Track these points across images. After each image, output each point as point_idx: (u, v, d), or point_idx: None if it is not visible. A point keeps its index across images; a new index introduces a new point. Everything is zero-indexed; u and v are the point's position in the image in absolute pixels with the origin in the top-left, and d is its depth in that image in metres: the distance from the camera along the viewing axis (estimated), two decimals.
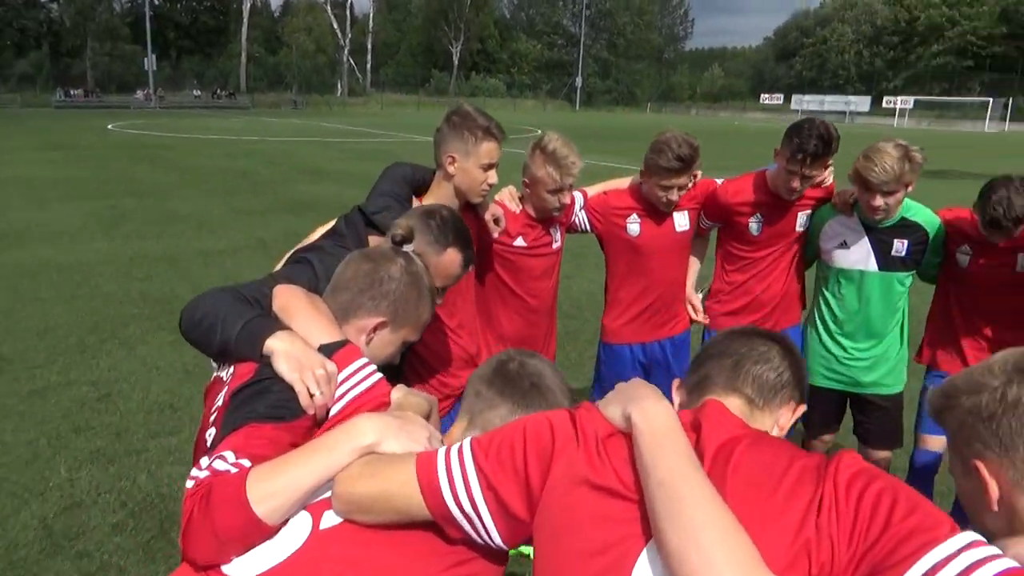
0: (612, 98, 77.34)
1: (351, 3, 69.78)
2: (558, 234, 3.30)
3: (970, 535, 0.95)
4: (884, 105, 59.96)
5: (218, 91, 59.00)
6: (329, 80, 68.02)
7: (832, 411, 3.57)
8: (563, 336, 3.61)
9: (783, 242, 3.47)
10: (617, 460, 1.13)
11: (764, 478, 1.06)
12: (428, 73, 74.77)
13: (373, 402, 1.50)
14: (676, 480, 1.02)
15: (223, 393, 1.55)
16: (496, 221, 2.94)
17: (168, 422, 4.63)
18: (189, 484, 1.27)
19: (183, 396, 4.99)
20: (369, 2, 72.51)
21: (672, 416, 1.15)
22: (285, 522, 1.26)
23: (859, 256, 3.31)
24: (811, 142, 3.07)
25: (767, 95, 72.23)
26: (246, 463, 1.28)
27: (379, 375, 1.56)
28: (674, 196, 3.30)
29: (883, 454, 3.50)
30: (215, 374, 1.71)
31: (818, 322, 3.51)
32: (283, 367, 1.47)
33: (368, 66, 70.87)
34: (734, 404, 1.30)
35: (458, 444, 1.24)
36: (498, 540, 1.19)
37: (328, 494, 1.28)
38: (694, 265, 3.74)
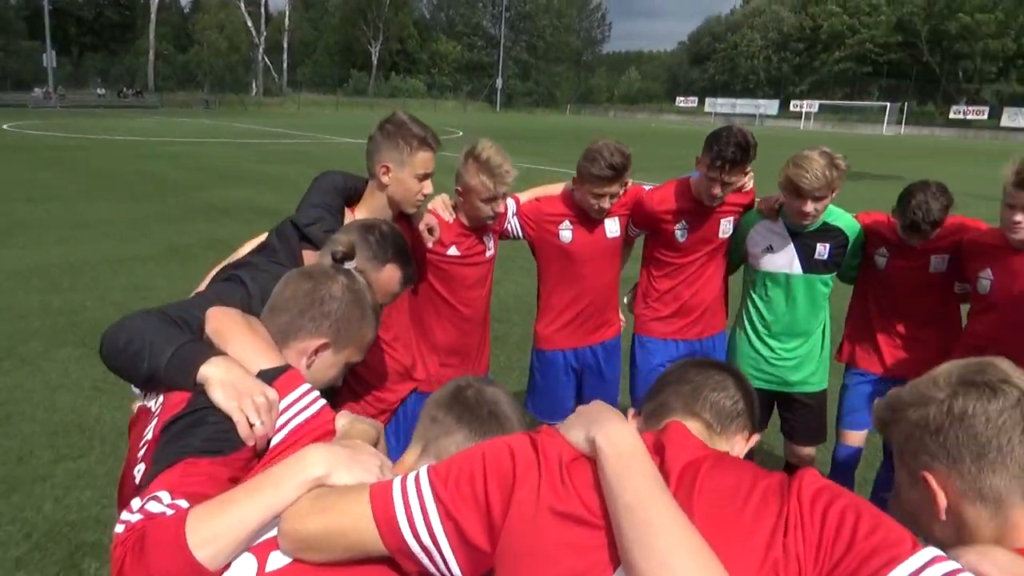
0: (533, 100, 77.95)
1: (266, 1, 67.90)
2: (491, 242, 3.27)
3: (932, 551, 0.96)
4: (791, 108, 62.56)
5: (124, 90, 56.28)
6: (243, 79, 65.95)
7: (761, 411, 3.67)
8: (492, 340, 3.59)
9: (708, 248, 3.54)
10: (582, 485, 1.10)
11: (730, 498, 1.06)
12: (346, 73, 73.53)
13: (317, 431, 1.43)
14: (644, 504, 1.00)
15: (152, 426, 1.44)
16: (430, 231, 2.88)
17: (76, 444, 4.35)
18: (119, 529, 1.17)
19: (91, 415, 4.71)
20: (284, 0, 70.83)
21: (637, 439, 1.13)
22: (228, 566, 1.18)
23: (785, 260, 3.41)
24: (729, 149, 3.14)
25: (682, 98, 74.38)
26: (183, 504, 1.19)
27: (323, 402, 1.48)
28: (606, 203, 3.32)
29: (808, 450, 3.62)
30: (140, 404, 1.60)
31: (746, 324, 3.60)
32: (219, 396, 1.38)
33: (284, 65, 69.15)
34: (694, 427, 1.30)
35: (414, 473, 1.18)
36: (457, 573, 1.14)
37: (274, 533, 1.21)
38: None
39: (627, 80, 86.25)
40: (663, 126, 54.50)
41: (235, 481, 1.28)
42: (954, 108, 56.30)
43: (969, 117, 54.85)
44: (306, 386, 1.49)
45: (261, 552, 1.20)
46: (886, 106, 56.29)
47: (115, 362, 1.54)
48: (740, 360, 3.61)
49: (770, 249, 3.44)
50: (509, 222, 3.43)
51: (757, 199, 3.54)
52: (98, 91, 55.39)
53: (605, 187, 3.25)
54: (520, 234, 3.49)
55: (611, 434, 1.12)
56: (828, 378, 3.61)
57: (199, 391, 1.43)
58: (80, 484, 3.90)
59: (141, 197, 13.27)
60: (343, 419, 1.50)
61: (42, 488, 3.86)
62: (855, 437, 3.57)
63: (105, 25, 65.18)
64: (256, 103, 59.21)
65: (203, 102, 55.57)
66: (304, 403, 1.46)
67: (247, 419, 1.36)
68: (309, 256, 2.13)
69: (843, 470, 3.60)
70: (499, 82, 73.25)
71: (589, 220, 3.46)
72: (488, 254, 3.25)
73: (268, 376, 1.46)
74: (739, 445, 1.38)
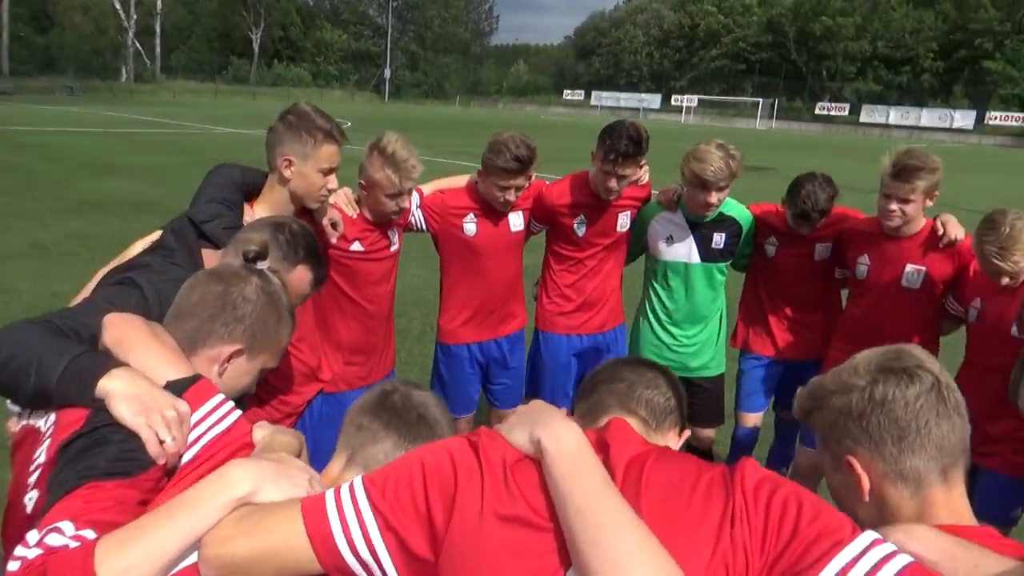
0: (422, 91, 77.09)
1: None
2: (396, 236, 3.20)
3: (871, 534, 1.00)
4: (673, 103, 64.89)
5: None
6: (112, 64, 61.60)
7: None
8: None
9: (607, 242, 3.60)
10: (527, 487, 1.07)
11: (676, 492, 1.07)
12: (226, 60, 70.06)
13: (234, 445, 1.33)
14: (595, 505, 1.00)
15: (44, 447, 1.30)
16: (334, 226, 2.78)
17: None
18: (14, 567, 1.04)
19: None
20: None
21: (583, 437, 1.12)
22: None
23: (684, 250, 3.52)
24: (622, 142, 3.20)
25: (569, 91, 75.55)
26: (89, 534, 1.07)
27: (238, 413, 1.38)
28: (511, 196, 3.32)
29: (708, 432, 3.76)
30: (25, 423, 1.44)
31: (649, 313, 3.70)
32: (124, 411, 1.25)
33: (157, 50, 65.09)
34: (632, 424, 1.30)
35: (347, 484, 1.13)
36: None
37: (194, 559, 1.12)
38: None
39: (516, 72, 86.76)
40: (551, 118, 55.26)
41: (145, 505, 1.18)
42: (819, 105, 60.01)
43: (832, 113, 58.60)
44: (219, 397, 1.39)
45: None
46: (759, 102, 59.30)
47: None
48: (643, 348, 3.71)
49: (670, 240, 3.54)
50: (413, 214, 3.37)
51: (655, 192, 3.64)
52: None
53: (510, 179, 3.25)
54: (423, 226, 3.44)
55: (556, 434, 1.10)
56: (725, 363, 3.76)
57: (99, 407, 1.30)
58: None
59: (0, 191, 12.19)
60: (262, 430, 1.40)
61: None
62: (752, 419, 3.75)
63: None
64: (127, 90, 55.52)
65: (67, 88, 51.51)
66: (218, 415, 1.35)
67: (156, 435, 1.25)
68: (209, 256, 1.99)
69: (742, 450, 3.78)
70: (387, 72, 72.02)
71: (493, 213, 3.45)
72: (393, 248, 3.18)
73: (177, 387, 1.35)
74: (672, 441, 1.40)
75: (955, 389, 1.19)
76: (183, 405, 1.32)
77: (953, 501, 1.16)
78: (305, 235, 2.02)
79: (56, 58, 58.04)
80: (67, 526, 1.08)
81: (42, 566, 1.02)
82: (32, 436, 1.38)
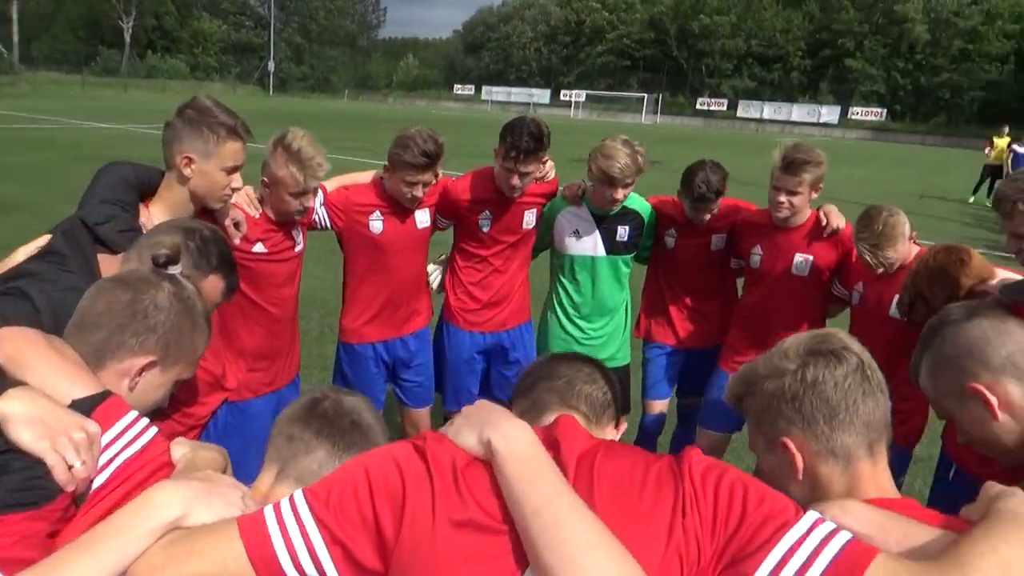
0: (308, 85, 74.86)
1: None
2: (300, 236, 3.10)
3: (813, 514, 1.05)
4: (562, 98, 66.03)
5: None
6: None
7: None
8: None
9: (512, 239, 3.62)
10: (479, 491, 1.06)
11: (627, 484, 1.08)
12: (94, 50, 65.62)
13: (151, 465, 1.24)
14: (551, 505, 0.99)
15: None
16: (237, 226, 2.66)
17: None
18: None
19: None
20: None
21: (534, 437, 1.11)
22: None
23: (590, 244, 3.59)
24: (523, 140, 3.22)
25: (460, 86, 75.49)
26: None
27: (154, 430, 1.29)
28: (419, 192, 3.28)
29: None
30: None
31: (557, 307, 3.75)
32: (26, 435, 1.14)
33: (15, 39, 60.17)
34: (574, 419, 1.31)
35: (287, 499, 1.08)
36: None
37: None
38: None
39: (405, 66, 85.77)
40: (442, 113, 55.01)
41: (55, 537, 1.08)
42: (700, 100, 62.67)
43: (712, 108, 61.35)
44: (132, 414, 1.29)
45: None
46: (643, 97, 61.25)
47: None
48: (552, 342, 3.76)
49: (576, 234, 3.60)
50: (316, 212, 3.27)
51: (561, 187, 3.68)
52: None
53: (418, 175, 3.21)
54: (327, 224, 3.35)
55: (507, 434, 1.09)
56: (630, 353, 3.87)
57: None
58: None
59: None
60: (181, 447, 1.32)
61: None
62: (658, 406, 3.88)
63: None
64: None
65: None
66: (132, 434, 1.26)
67: (63, 460, 1.14)
68: (106, 262, 1.85)
69: (649, 437, 3.91)
70: (271, 65, 69.48)
71: (400, 211, 3.40)
72: (297, 249, 3.08)
73: (84, 406, 1.25)
74: (611, 434, 1.41)
75: (876, 368, 1.26)
76: (92, 425, 1.22)
77: (878, 475, 1.24)
78: (217, 241, 1.92)
79: None
80: None
81: None
82: None
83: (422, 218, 3.49)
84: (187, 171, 2.26)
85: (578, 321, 3.69)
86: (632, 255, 3.71)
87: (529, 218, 3.59)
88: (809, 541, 1.00)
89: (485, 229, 3.56)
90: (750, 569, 0.99)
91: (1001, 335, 1.44)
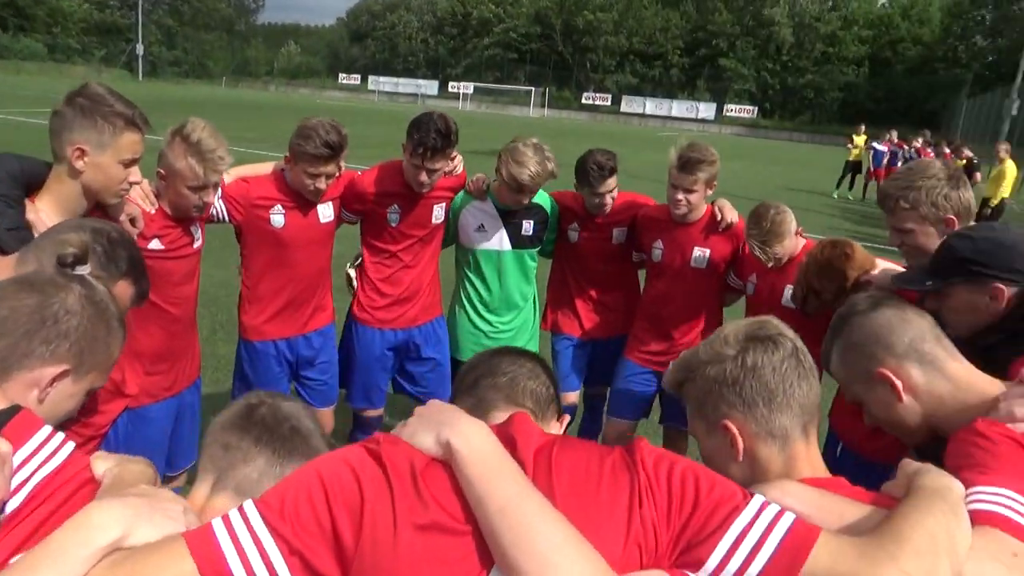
0: (182, 70, 70.93)
1: None
2: (199, 232, 2.96)
3: (760, 498, 1.11)
4: (450, 89, 65.82)
5: None
6: None
7: None
8: None
9: (422, 233, 3.59)
10: (440, 492, 1.05)
11: (584, 477, 1.09)
12: None
13: (72, 483, 1.16)
14: (516, 504, 1.00)
15: None
16: (133, 222, 2.50)
17: None
18: None
19: None
20: None
21: (491, 435, 1.12)
22: None
23: (496, 238, 3.62)
24: (430, 136, 3.22)
25: (345, 75, 73.65)
26: None
27: (71, 445, 1.21)
28: (322, 184, 3.21)
29: None
30: None
31: (464, 302, 3.76)
32: None
33: None
34: None
35: (236, 511, 1.03)
36: None
37: None
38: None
39: (287, 54, 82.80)
40: (327, 102, 53.51)
41: None
42: (585, 95, 64.08)
43: (597, 103, 62.88)
44: (46, 429, 1.20)
45: None
46: (531, 90, 62.03)
47: None
48: (461, 337, 3.77)
49: (482, 229, 3.62)
50: (214, 205, 3.13)
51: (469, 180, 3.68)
52: None
53: (321, 166, 3.14)
54: (225, 217, 3.22)
55: (465, 434, 1.09)
56: (539, 346, 3.93)
57: None
58: None
59: None
60: (103, 462, 1.23)
61: None
62: (570, 397, 3.96)
63: None
64: None
65: None
66: (48, 451, 1.18)
67: None
68: None
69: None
70: (140, 48, 65.33)
71: (302, 204, 3.31)
72: (196, 245, 2.94)
73: None
74: (555, 428, 1.43)
75: (808, 353, 1.35)
76: (3, 444, 1.13)
77: (811, 455, 1.32)
78: (126, 244, 1.80)
79: None
80: None
81: None
82: None
83: (326, 212, 3.40)
84: (79, 164, 2.10)
85: (486, 315, 3.72)
86: (537, 249, 3.77)
87: (438, 212, 3.57)
88: (758, 524, 1.06)
89: (394, 223, 3.51)
90: (704, 554, 1.04)
91: (903, 323, 1.57)
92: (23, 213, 1.99)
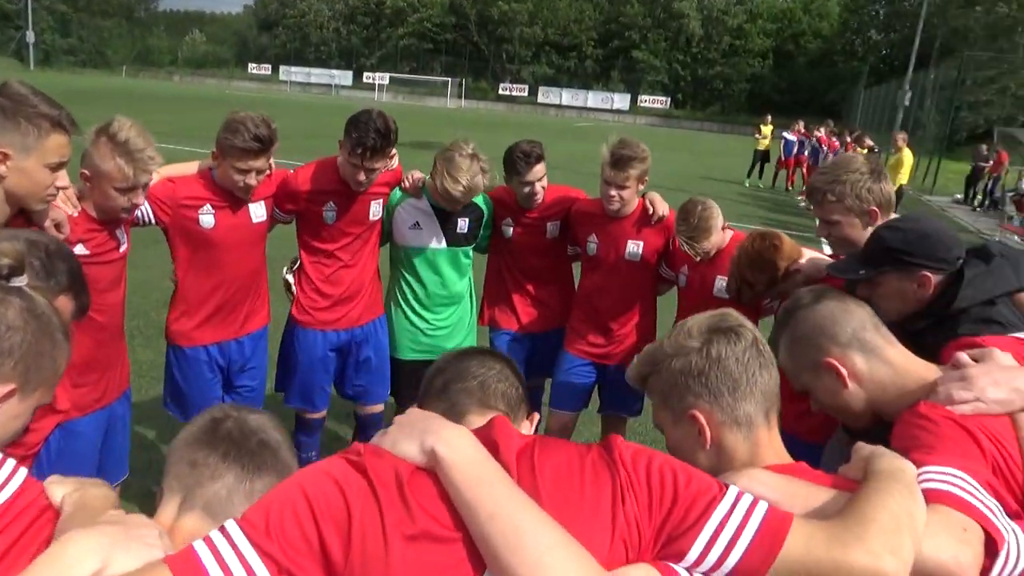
0: (79, 59, 67.11)
1: None
2: (124, 236, 2.84)
3: (735, 489, 1.16)
4: (365, 80, 64.68)
5: None
6: None
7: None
8: None
9: (360, 230, 3.55)
10: (427, 501, 1.05)
11: (567, 476, 1.11)
12: None
13: (28, 513, 1.10)
14: (506, 509, 1.01)
15: None
16: (58, 227, 2.38)
17: None
18: None
19: None
20: None
21: (476, 441, 1.12)
22: None
23: (430, 236, 3.61)
24: (370, 136, 3.18)
25: (254, 65, 71.31)
26: None
27: (24, 472, 1.15)
28: (252, 180, 3.12)
29: None
30: None
31: (400, 300, 3.74)
32: None
33: None
34: None
35: (218, 531, 1.00)
36: None
37: None
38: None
39: (191, 42, 79.49)
40: (236, 93, 51.76)
41: None
42: (502, 85, 64.21)
43: (514, 93, 63.14)
44: None
45: None
46: (448, 81, 61.66)
47: None
48: (398, 335, 3.75)
49: (417, 227, 3.60)
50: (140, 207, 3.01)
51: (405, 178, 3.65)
52: None
53: (250, 161, 3.06)
54: (151, 219, 3.10)
55: (451, 442, 1.09)
56: (477, 342, 3.94)
57: None
58: None
59: None
60: (60, 487, 1.17)
61: None
62: None
63: None
64: None
65: None
66: (0, 478, 1.12)
67: None
68: None
69: None
70: (30, 35, 61.44)
71: (232, 203, 3.21)
72: (122, 249, 2.82)
73: None
74: (527, 428, 1.44)
75: (766, 343, 1.41)
76: None
77: (773, 440, 1.38)
78: (64, 256, 1.71)
79: None
80: None
81: None
82: None
83: (257, 211, 3.32)
84: (1, 169, 1.98)
85: (422, 312, 3.71)
86: (472, 246, 3.78)
87: (375, 208, 3.53)
88: (735, 515, 1.11)
89: (330, 222, 3.45)
90: (685, 546, 1.08)
91: (845, 314, 1.66)
92: None
